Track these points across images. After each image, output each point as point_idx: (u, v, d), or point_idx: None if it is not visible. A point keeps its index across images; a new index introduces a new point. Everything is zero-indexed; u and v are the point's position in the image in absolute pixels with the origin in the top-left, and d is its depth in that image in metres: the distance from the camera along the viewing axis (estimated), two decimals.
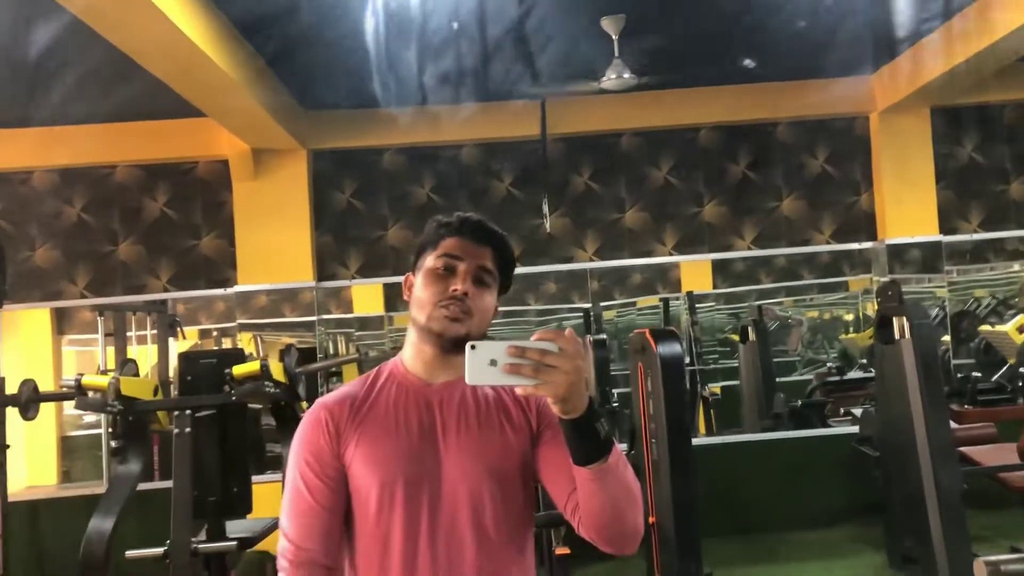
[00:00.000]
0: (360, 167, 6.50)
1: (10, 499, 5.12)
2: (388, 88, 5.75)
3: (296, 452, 1.53)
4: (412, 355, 1.56)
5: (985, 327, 6.70)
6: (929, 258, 6.49)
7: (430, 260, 1.54)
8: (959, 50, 5.40)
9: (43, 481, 7.09)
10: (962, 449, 4.75)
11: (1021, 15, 4.78)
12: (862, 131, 6.61)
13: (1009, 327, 6.25)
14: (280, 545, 1.50)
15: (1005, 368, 6.16)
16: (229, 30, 4.71)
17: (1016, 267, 7.28)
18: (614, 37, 4.93)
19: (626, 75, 5.03)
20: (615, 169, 6.56)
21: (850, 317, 7.56)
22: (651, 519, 4.43)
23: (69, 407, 7.05)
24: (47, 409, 6.47)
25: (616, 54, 5.04)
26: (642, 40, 5.14)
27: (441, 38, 5.01)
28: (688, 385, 6.90)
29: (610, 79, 5.08)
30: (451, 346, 1.49)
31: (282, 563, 1.49)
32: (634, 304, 7.53)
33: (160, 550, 3.88)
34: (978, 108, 6.60)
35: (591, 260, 6.54)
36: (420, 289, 1.53)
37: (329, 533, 1.49)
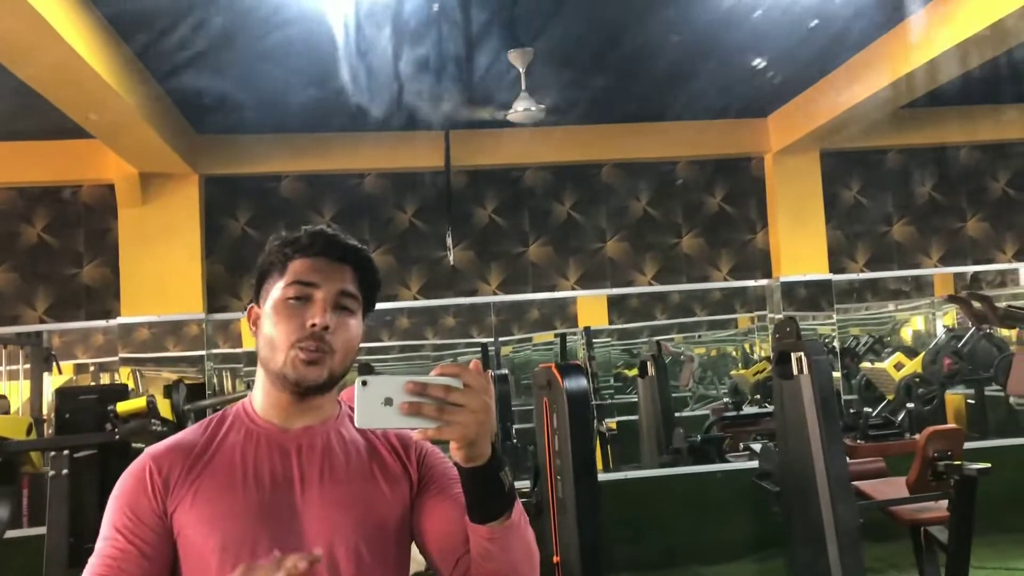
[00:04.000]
0: (256, 194, 6.28)
1: None
2: (287, 114, 5.59)
3: (110, 512, 1.28)
4: (263, 399, 1.34)
5: (865, 364, 6.96)
6: (818, 296, 6.70)
7: (278, 289, 1.30)
8: (846, 98, 5.63)
9: None
10: (855, 483, 4.85)
11: (901, 67, 5.03)
12: (758, 171, 6.81)
13: (887, 364, 6.53)
14: None
15: (884, 403, 6.41)
16: (117, 45, 4.46)
17: (891, 307, 7.62)
18: (521, 70, 4.93)
19: (532, 108, 5.02)
20: (520, 203, 6.56)
21: (738, 353, 7.73)
22: (555, 559, 4.35)
23: None
24: None
25: (523, 87, 5.03)
26: (548, 75, 5.16)
27: (344, 63, 4.90)
28: None
29: (516, 111, 5.07)
30: (310, 392, 1.30)
31: None
32: (530, 339, 7.51)
33: None
34: (863, 152, 6.89)
35: (495, 294, 6.49)
36: (269, 325, 1.29)
37: None
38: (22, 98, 4.44)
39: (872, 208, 6.91)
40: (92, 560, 1.26)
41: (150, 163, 5.71)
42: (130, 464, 1.31)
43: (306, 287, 1.29)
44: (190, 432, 1.34)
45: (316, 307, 1.27)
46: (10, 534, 4.30)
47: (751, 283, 6.78)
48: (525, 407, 5.83)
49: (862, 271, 6.87)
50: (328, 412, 1.35)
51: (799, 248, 6.65)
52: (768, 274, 6.73)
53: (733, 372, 7.84)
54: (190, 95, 5.33)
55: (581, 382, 4.48)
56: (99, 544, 1.28)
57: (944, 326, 6.94)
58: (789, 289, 6.65)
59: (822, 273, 6.68)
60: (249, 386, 6.30)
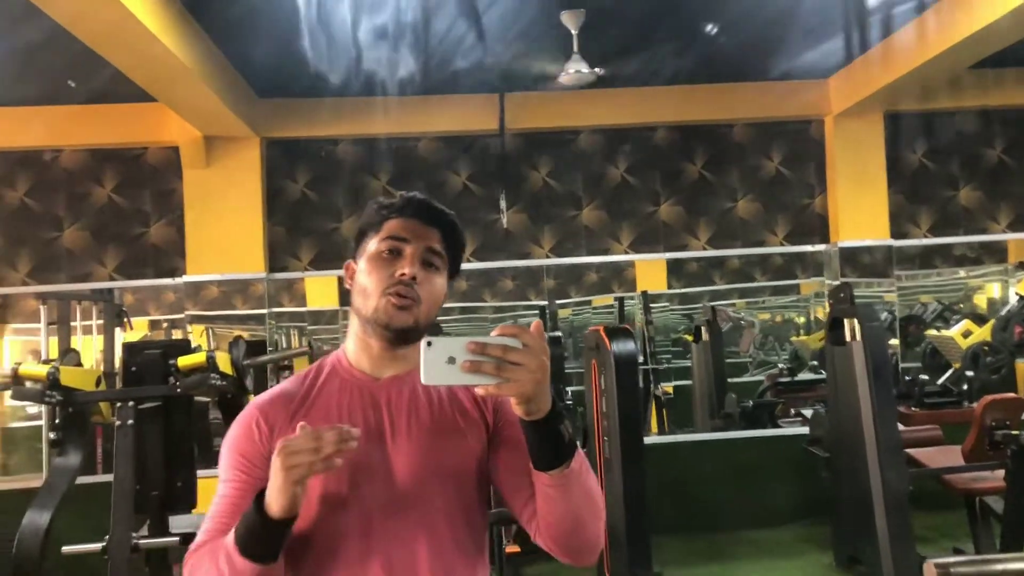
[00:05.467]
0: (314, 157, 6.40)
1: None
2: (344, 77, 5.66)
3: (224, 457, 1.40)
4: (356, 348, 1.46)
5: (931, 332, 6.82)
6: (879, 262, 6.57)
7: (373, 244, 1.43)
8: (911, 57, 5.47)
9: None
10: (908, 451, 4.81)
11: (971, 25, 4.86)
12: (817, 134, 6.68)
13: (955, 332, 6.38)
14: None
15: (950, 372, 6.28)
16: (180, 13, 4.58)
17: (962, 273, 7.41)
18: (573, 32, 4.91)
19: (584, 70, 5.01)
20: (573, 166, 6.55)
21: (802, 320, 7.63)
22: None
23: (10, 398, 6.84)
24: None
25: (575, 49, 5.01)
26: (601, 36, 5.12)
27: (400, 28, 4.95)
28: (641, 383, 6.96)
29: (568, 74, 5.05)
30: (399, 338, 1.40)
31: (191, 562, 1.34)
32: (589, 303, 7.53)
33: (99, 545, 3.76)
34: (929, 114, 6.70)
35: (547, 257, 6.52)
36: (363, 276, 1.42)
37: None
38: (89, 62, 4.59)
39: (937, 172, 6.73)
40: (214, 500, 1.39)
41: (212, 126, 5.86)
42: (237, 414, 1.44)
43: (398, 242, 1.42)
44: (291, 383, 1.46)
45: (406, 260, 1.40)
46: (84, 479, 4.53)
47: (808, 248, 6.68)
48: (581, 370, 5.87)
49: (925, 236, 6.72)
50: (414, 362, 1.42)
51: (859, 213, 6.52)
52: (826, 239, 6.63)
53: (794, 338, 7.76)
54: (250, 59, 5.45)
55: (628, 345, 4.52)
56: (219, 487, 1.40)
57: (1017, 293, 6.72)
58: (848, 255, 6.54)
59: (883, 238, 6.54)
60: (311, 345, 6.52)
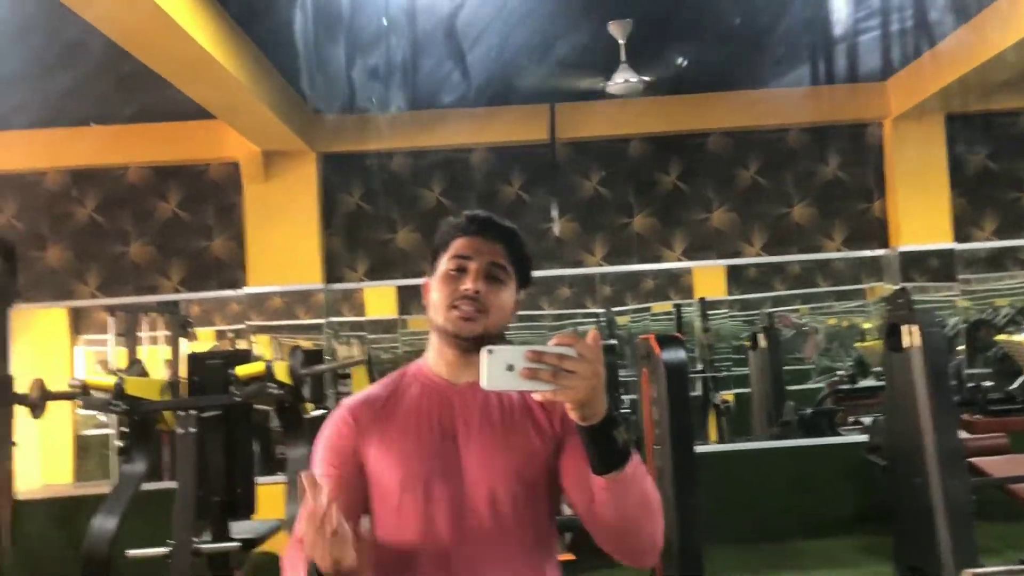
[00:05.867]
0: (369, 170, 6.51)
1: (25, 497, 5.16)
2: (397, 92, 5.77)
3: (317, 452, 1.54)
4: (435, 357, 1.57)
5: (1002, 336, 6.63)
6: (943, 266, 6.43)
7: (443, 263, 1.54)
8: (972, 57, 5.35)
9: (59, 480, 7.14)
10: (972, 460, 4.69)
11: None
12: (875, 138, 6.56)
13: None
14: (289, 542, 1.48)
15: (1022, 378, 6.09)
16: (236, 33, 4.73)
17: None
18: (621, 42, 4.92)
19: (633, 79, 5.02)
20: (623, 174, 6.55)
21: (868, 325, 7.49)
22: None
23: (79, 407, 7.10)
24: (62, 408, 6.51)
25: (623, 59, 5.03)
26: (650, 44, 5.13)
27: (451, 41, 5.02)
28: (699, 391, 6.91)
29: (617, 83, 5.08)
30: (469, 346, 1.49)
31: (286, 555, 1.47)
32: (648, 309, 7.51)
33: (163, 550, 3.89)
34: (992, 115, 6.53)
35: (599, 265, 6.53)
36: (435, 292, 1.53)
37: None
38: (152, 83, 4.77)
39: (1001, 173, 6.56)
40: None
41: (270, 142, 6.02)
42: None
43: (463, 260, 1.53)
44: (377, 387, 1.59)
45: (470, 276, 1.51)
46: (149, 486, 4.68)
47: (866, 253, 6.57)
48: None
49: (990, 239, 6.55)
50: None
51: (920, 217, 6.39)
52: (885, 244, 6.50)
53: (858, 344, 7.63)
54: (305, 75, 5.59)
55: (679, 353, 4.49)
56: None
57: None
58: (911, 259, 6.41)
59: (945, 242, 6.40)
60: (368, 354, 6.61)
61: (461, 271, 1.52)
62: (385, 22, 4.76)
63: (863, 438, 5.74)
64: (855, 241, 6.55)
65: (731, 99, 6.38)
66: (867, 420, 5.89)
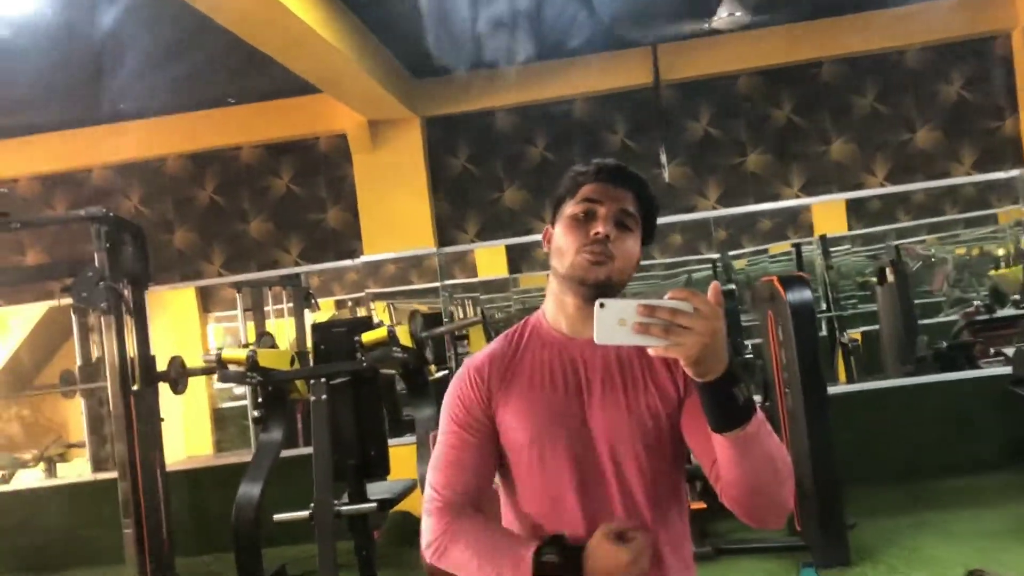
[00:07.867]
0: (473, 131, 6.52)
1: (170, 468, 5.45)
2: (494, 48, 5.71)
3: (445, 410, 1.54)
4: (554, 309, 1.53)
5: None
6: None
7: (569, 208, 1.50)
8: None
9: (200, 451, 7.51)
10: None
11: None
12: (1003, 50, 6.14)
13: None
14: (425, 495, 1.51)
15: None
16: (335, 4, 4.77)
17: None
18: None
19: (738, 13, 4.82)
20: (733, 112, 6.35)
21: (1001, 252, 7.08)
22: None
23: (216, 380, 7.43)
24: (200, 383, 6.84)
25: None
26: None
27: None
28: (824, 332, 6.70)
29: (721, 18, 4.89)
30: (594, 294, 1.44)
31: (426, 508, 1.50)
32: (765, 251, 7.30)
33: (305, 513, 4.04)
34: None
35: (714, 208, 6.37)
36: (560, 237, 1.49)
37: (472, 482, 1.49)
38: (259, 62, 4.87)
39: None
40: (436, 450, 1.54)
41: (375, 110, 6.09)
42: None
43: (593, 204, 1.48)
44: (498, 343, 1.57)
45: (600, 220, 1.46)
46: (288, 453, 4.87)
47: (1000, 175, 6.18)
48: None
49: None
50: None
51: None
52: (1020, 163, 6.10)
53: (992, 272, 7.24)
54: (404, 41, 5.59)
55: (805, 294, 4.36)
56: (440, 437, 1.54)
57: None
58: None
59: None
60: (483, 314, 6.67)
61: (590, 216, 1.47)
62: None
63: (1006, 370, 5.44)
64: (986, 163, 6.18)
65: (842, 24, 6.07)
66: (1009, 351, 5.58)
